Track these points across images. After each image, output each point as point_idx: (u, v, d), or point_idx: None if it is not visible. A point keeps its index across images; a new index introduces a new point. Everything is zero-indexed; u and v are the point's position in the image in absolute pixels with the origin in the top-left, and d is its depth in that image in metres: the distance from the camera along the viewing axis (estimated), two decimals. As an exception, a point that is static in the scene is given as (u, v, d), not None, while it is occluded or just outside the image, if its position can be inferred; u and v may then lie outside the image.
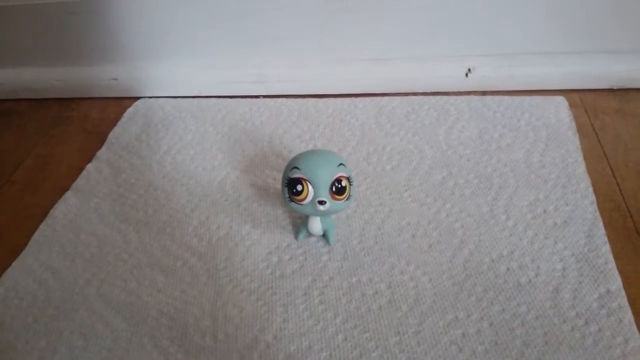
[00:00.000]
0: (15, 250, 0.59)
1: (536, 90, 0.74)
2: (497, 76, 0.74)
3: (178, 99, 0.80)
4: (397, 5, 0.71)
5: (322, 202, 0.49)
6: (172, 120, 0.75)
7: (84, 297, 0.53)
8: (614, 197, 0.57)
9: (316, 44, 0.77)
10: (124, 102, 0.81)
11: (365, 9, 0.72)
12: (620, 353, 0.43)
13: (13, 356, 0.48)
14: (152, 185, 0.65)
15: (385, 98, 0.75)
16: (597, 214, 0.55)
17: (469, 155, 0.64)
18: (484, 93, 0.74)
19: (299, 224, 0.56)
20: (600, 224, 0.54)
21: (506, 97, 0.72)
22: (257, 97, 0.79)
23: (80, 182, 0.67)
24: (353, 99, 0.76)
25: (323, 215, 0.53)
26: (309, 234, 0.56)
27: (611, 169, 0.61)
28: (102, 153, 0.71)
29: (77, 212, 0.63)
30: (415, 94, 0.76)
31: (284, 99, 0.78)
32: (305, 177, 0.49)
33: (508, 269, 0.51)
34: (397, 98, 0.75)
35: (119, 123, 0.76)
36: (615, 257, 0.50)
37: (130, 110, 0.79)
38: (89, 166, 0.69)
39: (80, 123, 0.80)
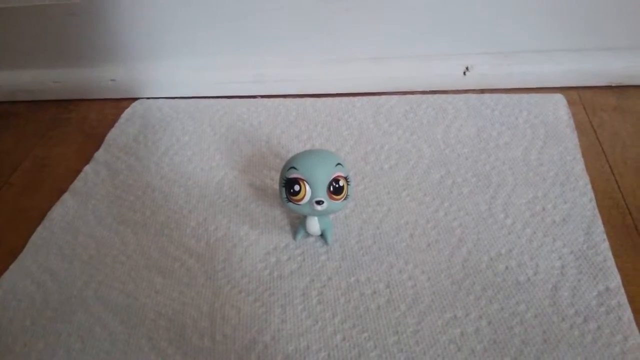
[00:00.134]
0: (13, 253, 0.59)
1: (534, 87, 0.74)
2: (495, 74, 0.74)
3: (175, 99, 0.80)
4: (394, 5, 0.71)
5: (319, 202, 0.49)
6: (170, 121, 0.75)
7: (81, 299, 0.53)
8: (612, 194, 0.57)
9: (313, 44, 0.76)
10: (121, 103, 0.81)
11: (362, 8, 0.72)
12: (620, 350, 0.43)
13: (11, 359, 0.48)
14: (150, 186, 0.65)
15: (383, 97, 0.75)
16: (596, 211, 0.55)
17: (467, 153, 0.64)
18: (482, 91, 0.74)
19: (297, 224, 0.56)
20: (599, 222, 0.54)
21: (504, 95, 0.72)
22: (254, 97, 0.79)
23: (77, 184, 0.67)
24: (351, 98, 0.76)
25: (321, 215, 0.52)
26: (307, 234, 0.56)
27: (610, 166, 0.60)
28: (100, 155, 0.71)
29: (75, 214, 0.62)
30: (413, 92, 0.75)
31: (281, 99, 0.77)
32: (302, 177, 0.49)
33: (507, 267, 0.51)
34: (395, 97, 0.75)
35: (117, 124, 0.76)
36: (614, 255, 0.50)
37: (127, 111, 0.79)
38: (87, 168, 0.69)
39: (77, 125, 0.80)
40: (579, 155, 0.61)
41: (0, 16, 0.78)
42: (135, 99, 0.81)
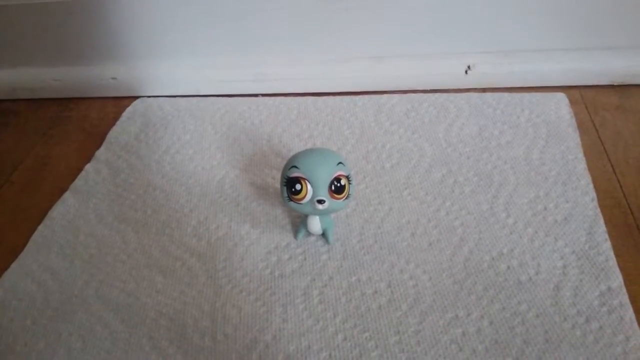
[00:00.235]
0: (14, 252, 0.59)
1: (536, 87, 0.73)
2: (497, 73, 0.74)
3: (177, 98, 0.80)
4: (396, 4, 0.71)
5: (321, 201, 0.49)
6: (171, 120, 0.75)
7: (82, 298, 0.53)
8: (614, 193, 0.57)
9: (315, 43, 0.76)
10: (122, 101, 0.81)
11: (364, 7, 0.72)
12: (622, 351, 0.43)
13: (12, 358, 0.48)
14: (151, 185, 0.65)
15: (385, 96, 0.75)
16: (598, 210, 0.55)
17: (468, 152, 0.64)
18: (483, 90, 0.74)
19: (298, 223, 0.56)
20: (601, 221, 0.53)
21: (506, 94, 0.72)
22: (256, 95, 0.79)
23: (78, 182, 0.67)
24: (352, 97, 0.75)
25: (322, 214, 0.52)
26: (308, 233, 0.55)
27: (612, 166, 0.60)
28: (101, 153, 0.71)
29: (76, 213, 0.62)
30: (414, 91, 0.75)
31: (283, 98, 0.77)
32: (304, 176, 0.49)
33: (508, 267, 0.51)
34: (397, 96, 0.74)
35: (118, 123, 0.76)
36: (616, 254, 0.50)
37: (129, 110, 0.79)
38: (88, 166, 0.69)
39: (78, 123, 0.79)
40: (581, 155, 0.61)
41: (0, 14, 0.78)
42: (136, 98, 0.81)
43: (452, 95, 0.73)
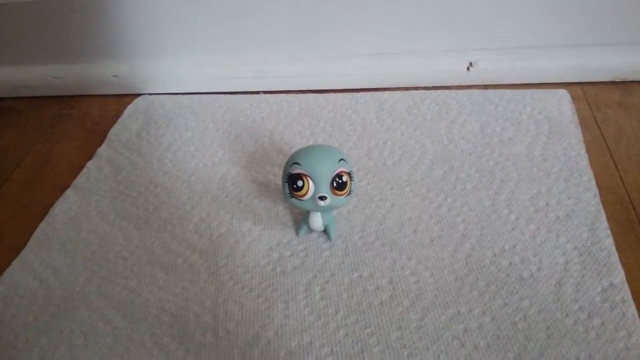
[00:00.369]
0: (16, 249, 0.59)
1: (538, 83, 0.73)
2: (499, 70, 0.74)
3: (178, 95, 0.80)
4: (397, 1, 0.71)
5: (322, 198, 0.49)
6: (172, 117, 0.75)
7: (84, 295, 0.53)
8: (616, 189, 0.57)
9: (317, 40, 0.76)
10: (124, 99, 0.81)
11: (365, 5, 0.72)
12: (624, 346, 0.43)
13: (13, 355, 0.48)
14: (153, 182, 0.65)
15: (387, 93, 0.75)
16: (600, 206, 0.55)
17: (470, 149, 0.64)
18: (485, 87, 0.74)
19: (300, 220, 0.56)
20: (603, 217, 0.53)
21: (508, 91, 0.72)
22: (257, 93, 0.79)
23: (80, 179, 0.67)
24: (354, 94, 0.75)
25: (324, 210, 0.52)
26: (310, 230, 0.55)
27: (614, 162, 0.60)
28: (103, 150, 0.71)
29: (78, 210, 0.62)
30: (416, 88, 0.75)
31: (284, 95, 0.77)
32: (305, 173, 0.49)
33: (510, 263, 0.50)
34: (398, 93, 0.74)
35: (119, 120, 0.76)
36: (618, 250, 0.50)
37: (130, 107, 0.79)
38: (89, 164, 0.69)
39: (80, 120, 0.79)
40: (583, 151, 0.61)
41: (1, 12, 0.78)
42: (137, 95, 0.81)
43: (453, 92, 0.73)
